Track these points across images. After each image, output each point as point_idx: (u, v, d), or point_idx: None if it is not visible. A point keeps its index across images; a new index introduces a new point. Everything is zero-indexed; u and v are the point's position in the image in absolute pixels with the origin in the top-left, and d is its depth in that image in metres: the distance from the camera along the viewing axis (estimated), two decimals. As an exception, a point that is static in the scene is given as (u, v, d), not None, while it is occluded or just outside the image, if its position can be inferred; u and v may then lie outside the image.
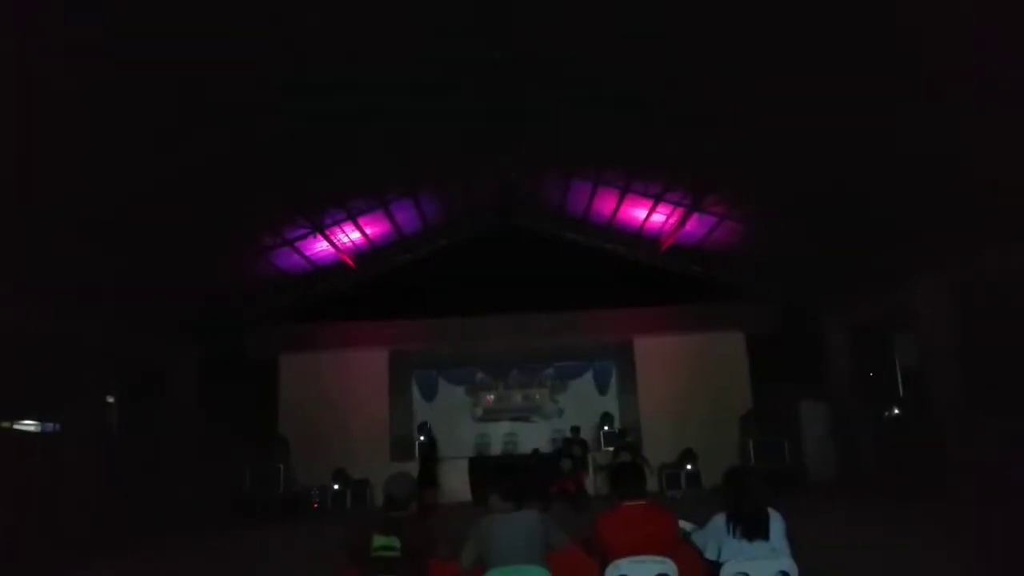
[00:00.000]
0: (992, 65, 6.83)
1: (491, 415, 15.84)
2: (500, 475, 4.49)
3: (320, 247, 13.78)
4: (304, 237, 13.20)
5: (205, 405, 13.95)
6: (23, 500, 9.25)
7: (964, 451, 10.64)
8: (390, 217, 13.96)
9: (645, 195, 13.30)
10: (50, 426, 10.87)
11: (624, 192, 13.43)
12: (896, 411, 13.37)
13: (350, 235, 13.86)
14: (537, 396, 15.99)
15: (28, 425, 10.68)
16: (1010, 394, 10.12)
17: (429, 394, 15.89)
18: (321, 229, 12.89)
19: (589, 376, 16.05)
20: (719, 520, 3.89)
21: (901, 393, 13.29)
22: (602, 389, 15.94)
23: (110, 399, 12.47)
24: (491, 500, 4.20)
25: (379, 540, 3.84)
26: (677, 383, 15.35)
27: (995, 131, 7.78)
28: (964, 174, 8.61)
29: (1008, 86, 6.99)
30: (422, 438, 13.74)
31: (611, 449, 14.29)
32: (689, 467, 13.81)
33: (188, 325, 13.42)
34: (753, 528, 3.77)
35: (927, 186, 9.21)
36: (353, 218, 13.22)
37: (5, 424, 10.14)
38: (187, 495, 12.97)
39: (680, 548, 4.02)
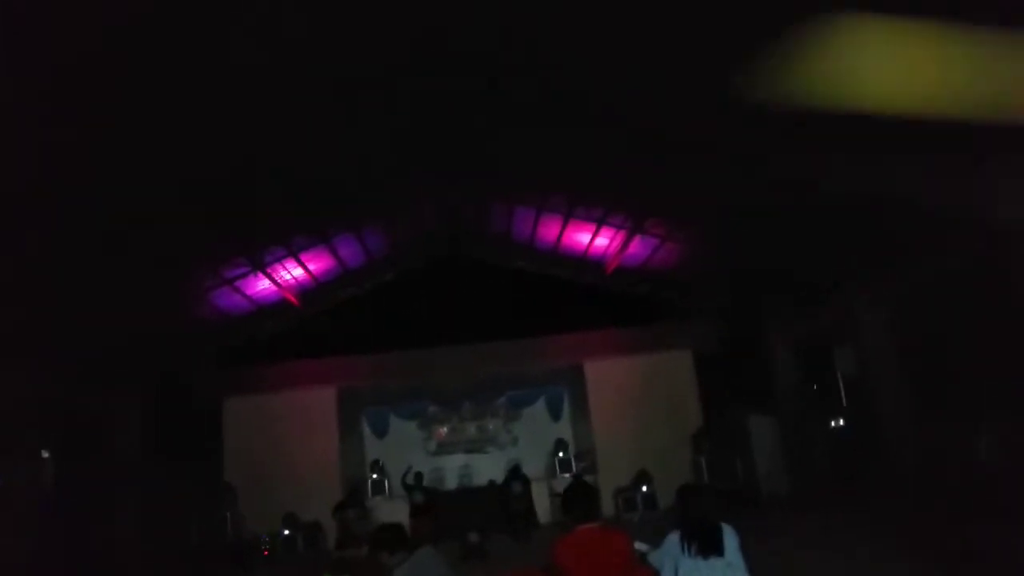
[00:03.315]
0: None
1: (445, 448, 15.59)
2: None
3: (262, 285, 13.47)
4: (244, 276, 12.88)
5: (149, 454, 13.37)
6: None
7: (907, 458, 10.93)
8: (333, 252, 13.76)
9: (588, 219, 13.45)
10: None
11: (567, 217, 13.55)
12: (841, 422, 13.66)
13: (292, 272, 13.59)
14: (491, 426, 15.82)
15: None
16: (949, 398, 10.47)
17: (380, 431, 15.56)
18: (262, 267, 12.61)
19: (542, 403, 15.98)
20: (674, 539, 3.87)
21: (845, 404, 13.60)
22: (555, 415, 15.88)
23: (44, 454, 11.83)
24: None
25: (333, 581, 3.71)
26: (629, 405, 15.42)
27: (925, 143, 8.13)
28: (893, 186, 8.96)
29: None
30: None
31: (566, 476, 14.27)
32: (644, 489, 13.82)
33: (128, 371, 12.90)
34: (708, 544, 3.76)
35: (860, 199, 9.54)
36: (295, 254, 12.97)
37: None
38: (132, 547, 12.37)
39: (637, 570, 3.98)
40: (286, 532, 13.41)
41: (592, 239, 14.14)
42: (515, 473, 13.49)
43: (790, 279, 12.60)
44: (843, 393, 13.66)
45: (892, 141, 8.15)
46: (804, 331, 14.25)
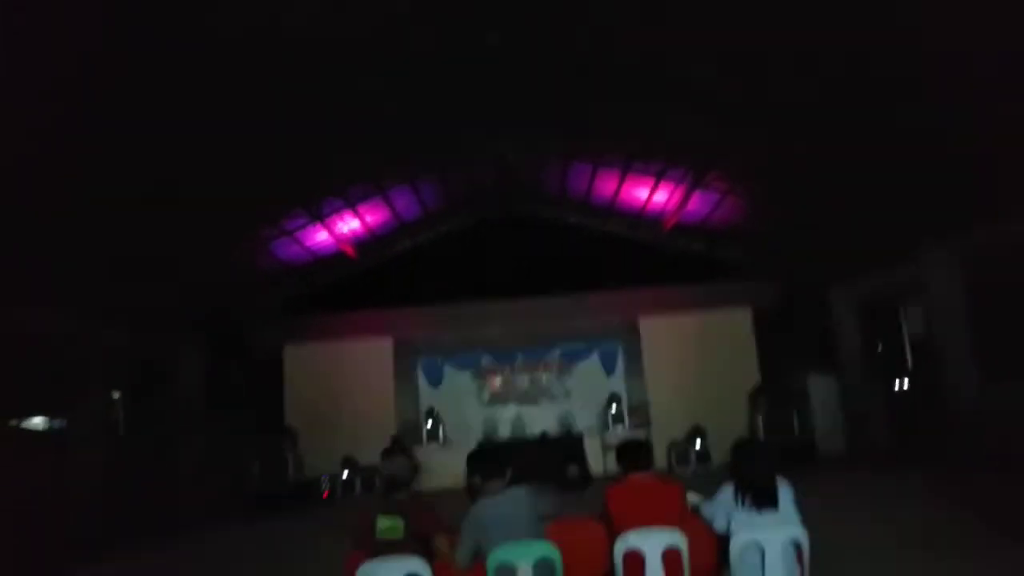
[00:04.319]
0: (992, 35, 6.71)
1: (498, 399, 15.82)
2: (484, 457, 4.42)
3: (320, 237, 13.71)
4: (303, 227, 13.13)
5: (212, 399, 13.97)
6: (32, 498, 9.26)
7: (974, 419, 10.60)
8: (389, 204, 13.88)
9: (646, 174, 13.19)
10: (57, 424, 10.86)
11: (625, 172, 13.32)
12: (906, 382, 13.29)
13: (350, 224, 13.79)
14: (543, 379, 15.95)
15: (35, 424, 10.67)
16: (1018, 360, 10.06)
17: (435, 380, 15.88)
18: (320, 218, 12.82)
19: (595, 358, 15.99)
20: (727, 491, 3.84)
21: (910, 364, 13.21)
22: (609, 370, 15.90)
23: (116, 396, 12.48)
24: (474, 482, 4.14)
25: (383, 522, 3.81)
26: (684, 362, 15.33)
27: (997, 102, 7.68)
28: (965, 144, 8.52)
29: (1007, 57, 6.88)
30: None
31: (619, 430, 14.33)
32: (698, 443, 13.79)
33: (192, 320, 13.41)
34: (762, 497, 3.72)
35: (930, 157, 9.11)
36: (352, 206, 13.14)
37: (12, 423, 10.14)
38: (196, 489, 13.00)
39: (689, 520, 3.98)
40: (344, 475, 13.88)
41: (650, 195, 13.88)
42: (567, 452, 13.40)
43: (858, 236, 12.17)
44: (909, 354, 13.26)
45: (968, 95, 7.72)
46: (869, 290, 13.82)
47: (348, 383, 15.16)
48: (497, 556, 3.64)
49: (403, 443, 13.22)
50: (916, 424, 12.41)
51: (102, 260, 9.79)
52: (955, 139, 8.52)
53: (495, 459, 4.18)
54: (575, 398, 15.59)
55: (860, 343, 14.23)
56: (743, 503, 3.73)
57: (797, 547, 3.58)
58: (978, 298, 11.01)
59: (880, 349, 14.08)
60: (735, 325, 15.58)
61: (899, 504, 8.36)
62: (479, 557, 3.87)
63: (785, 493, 3.76)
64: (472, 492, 4.79)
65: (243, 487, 13.34)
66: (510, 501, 3.94)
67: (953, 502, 8.06)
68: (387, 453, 12.24)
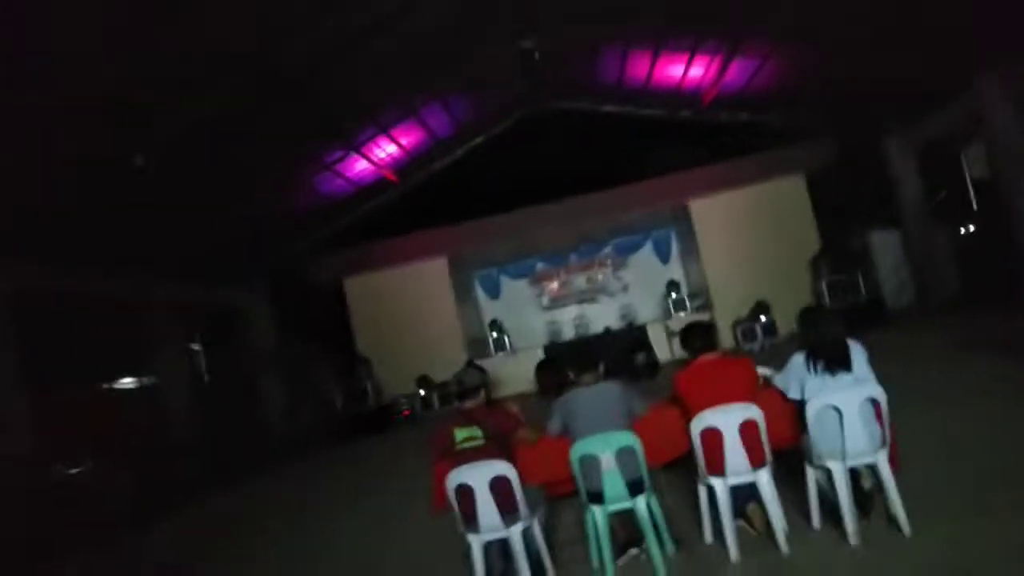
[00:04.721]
0: None
1: (557, 302, 15.98)
2: (575, 353, 4.55)
3: (359, 167, 13.73)
4: (342, 159, 13.15)
5: (284, 338, 14.54)
6: (138, 447, 9.98)
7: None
8: (423, 124, 13.72)
9: (679, 50, 12.60)
10: (147, 381, 11.53)
11: (656, 51, 12.75)
12: (971, 227, 12.83)
13: (386, 149, 13.73)
14: (600, 276, 15.99)
15: (128, 383, 11.35)
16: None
17: (493, 292, 16.11)
18: (357, 147, 12.81)
19: (649, 247, 15.89)
20: (799, 359, 3.86)
21: (975, 207, 12.70)
22: (664, 258, 15.80)
23: (195, 347, 13.11)
24: (572, 374, 4.28)
25: (461, 433, 3.97)
26: (740, 239, 15.11)
27: None
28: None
29: None
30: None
31: (681, 315, 14.37)
32: (763, 318, 13.75)
33: (253, 266, 13.82)
34: (835, 361, 3.73)
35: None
36: (386, 131, 13.05)
37: (106, 386, 10.81)
38: (284, 425, 13.74)
39: (762, 393, 4.03)
40: (421, 393, 14.44)
41: (685, 71, 13.30)
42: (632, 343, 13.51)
43: (905, 82, 11.50)
44: (973, 197, 12.74)
45: None
46: (926, 136, 13.18)
47: (411, 306, 15.53)
48: (579, 448, 3.80)
49: (476, 363, 13.58)
50: (984, 268, 12.05)
51: (158, 218, 10.09)
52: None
53: (588, 354, 4.32)
54: (634, 291, 15.64)
55: (922, 192, 13.71)
56: (816, 369, 3.75)
57: (875, 405, 3.61)
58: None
59: (943, 196, 13.55)
60: (789, 193, 15.18)
61: (969, 354, 8.23)
62: (566, 433, 4.09)
63: (859, 355, 3.75)
64: (559, 389, 4.94)
65: (328, 418, 14.02)
66: (602, 393, 4.09)
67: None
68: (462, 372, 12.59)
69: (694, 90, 13.90)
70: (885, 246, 14.21)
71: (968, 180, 12.68)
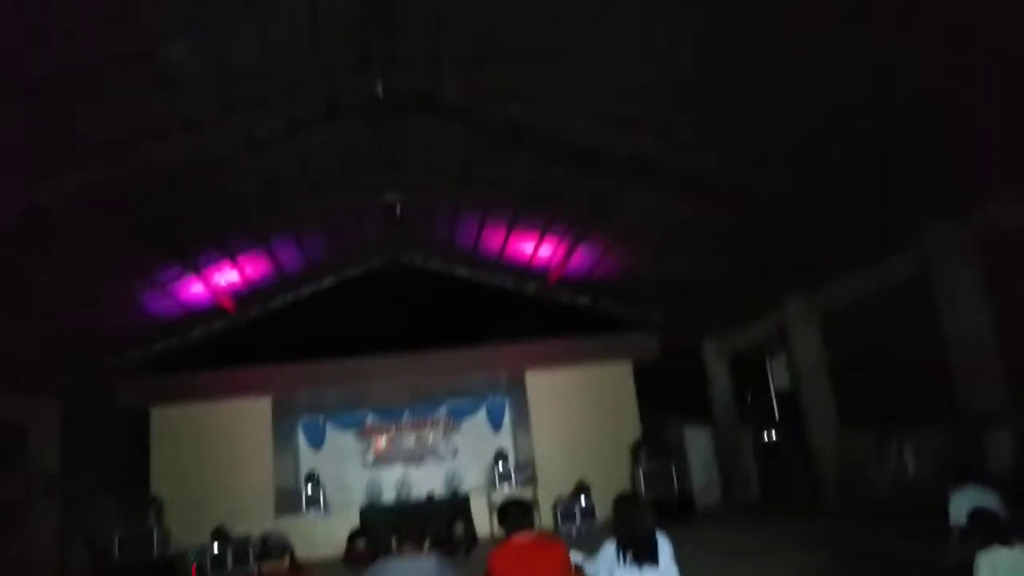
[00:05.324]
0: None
1: (383, 460, 15.31)
2: (401, 520, 4.29)
3: (195, 289, 13.01)
4: (176, 279, 12.42)
5: (70, 465, 12.80)
6: None
7: (835, 468, 11.29)
8: (271, 256, 13.40)
9: (531, 228, 13.47)
10: None
11: (511, 225, 13.54)
12: (773, 433, 14.02)
13: (227, 276, 13.18)
14: (430, 437, 15.60)
15: None
16: (873, 410, 10.86)
17: (317, 441, 15.17)
18: (196, 269, 12.19)
19: (482, 414, 15.85)
20: (609, 548, 3.86)
21: (777, 416, 13.97)
22: (496, 426, 15.77)
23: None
24: (397, 543, 4.01)
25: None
26: (570, 415, 15.49)
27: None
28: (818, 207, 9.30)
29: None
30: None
31: (506, 488, 14.21)
32: (583, 500, 13.85)
33: (49, 378, 12.32)
34: (642, 553, 3.75)
35: (794, 216, 9.85)
36: (231, 257, 12.59)
37: None
38: (50, 562, 11.78)
39: (572, 580, 3.95)
40: (215, 547, 12.90)
41: (536, 248, 14.16)
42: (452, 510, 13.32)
43: (726, 294, 12.89)
44: (775, 406, 14.03)
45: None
46: (739, 343, 14.60)
47: (222, 447, 14.29)
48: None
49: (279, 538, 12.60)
50: (782, 474, 13.07)
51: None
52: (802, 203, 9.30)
53: (414, 524, 4.10)
54: (462, 456, 15.35)
55: (731, 395, 14.94)
56: (625, 560, 3.76)
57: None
58: (834, 350, 11.87)
59: (750, 401, 14.84)
60: (617, 378, 15.95)
61: (775, 555, 8.67)
62: None
63: (665, 548, 3.81)
64: (360, 558, 4.60)
65: (104, 563, 12.16)
66: (415, 568, 3.85)
67: (822, 548, 8.47)
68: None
69: (543, 268, 14.77)
70: (697, 442, 15.14)
71: (772, 389, 14.04)
